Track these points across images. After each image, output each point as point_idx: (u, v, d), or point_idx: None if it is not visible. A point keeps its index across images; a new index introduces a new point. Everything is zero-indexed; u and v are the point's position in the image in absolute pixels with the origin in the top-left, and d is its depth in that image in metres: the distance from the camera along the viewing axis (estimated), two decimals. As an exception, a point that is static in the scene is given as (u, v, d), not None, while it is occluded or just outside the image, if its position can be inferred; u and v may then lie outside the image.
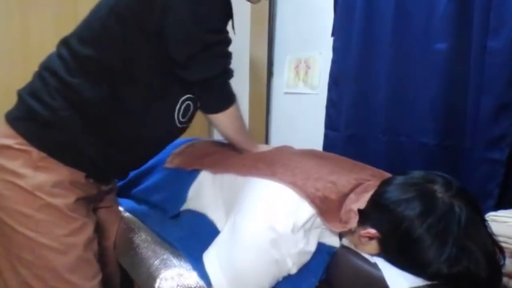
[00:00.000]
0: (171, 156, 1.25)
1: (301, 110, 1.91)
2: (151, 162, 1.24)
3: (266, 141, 2.12)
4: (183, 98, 0.97)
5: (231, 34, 0.98)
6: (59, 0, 1.75)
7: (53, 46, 0.96)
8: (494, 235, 0.77)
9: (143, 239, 1.06)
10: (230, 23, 1.01)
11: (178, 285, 0.87)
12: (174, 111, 0.97)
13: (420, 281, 0.75)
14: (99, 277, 0.94)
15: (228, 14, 0.98)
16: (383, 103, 1.40)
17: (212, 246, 0.91)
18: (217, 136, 1.51)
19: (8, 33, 1.70)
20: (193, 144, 1.30)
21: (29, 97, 0.89)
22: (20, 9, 1.72)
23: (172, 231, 1.04)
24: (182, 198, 1.11)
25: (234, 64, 0.99)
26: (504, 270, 0.76)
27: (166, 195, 1.15)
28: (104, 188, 1.05)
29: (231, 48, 0.97)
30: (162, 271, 0.91)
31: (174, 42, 0.88)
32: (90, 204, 1.00)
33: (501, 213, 0.95)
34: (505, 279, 0.79)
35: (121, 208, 1.23)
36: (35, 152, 0.86)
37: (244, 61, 2.11)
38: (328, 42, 1.65)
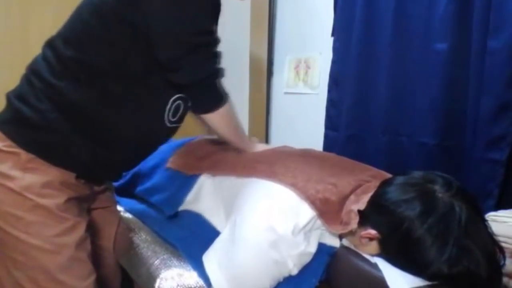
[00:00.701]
0: (173, 156, 1.24)
1: (301, 110, 1.91)
2: (154, 162, 1.24)
3: (266, 141, 2.12)
4: (173, 98, 0.96)
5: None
6: (59, 0, 1.75)
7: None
8: (494, 235, 0.77)
9: (143, 239, 1.06)
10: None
11: (178, 285, 0.87)
12: (164, 111, 0.96)
13: (420, 281, 0.75)
14: (92, 277, 0.93)
15: (217, 13, 0.97)
16: (383, 103, 1.40)
17: (212, 247, 0.91)
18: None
19: (8, 33, 1.70)
20: (194, 144, 1.29)
21: (17, 100, 0.88)
22: (20, 9, 1.72)
23: (172, 231, 1.04)
24: (179, 201, 1.10)
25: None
26: (504, 270, 0.76)
27: (164, 196, 1.15)
28: (97, 188, 1.05)
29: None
30: (162, 271, 0.91)
31: (160, 44, 0.87)
32: (83, 204, 0.99)
33: (501, 213, 0.95)
34: (505, 279, 0.79)
35: (121, 208, 1.23)
36: (23, 154, 0.86)
37: (244, 61, 2.11)
38: (328, 42, 1.65)
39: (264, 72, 2.05)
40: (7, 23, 1.69)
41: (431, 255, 0.73)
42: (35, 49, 0.94)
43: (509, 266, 0.80)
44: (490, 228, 0.77)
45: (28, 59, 0.93)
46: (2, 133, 0.87)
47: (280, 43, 2.02)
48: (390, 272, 0.78)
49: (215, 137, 1.27)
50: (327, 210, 0.86)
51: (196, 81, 0.92)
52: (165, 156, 1.24)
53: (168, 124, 0.99)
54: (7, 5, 1.69)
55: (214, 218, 1.05)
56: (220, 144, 1.26)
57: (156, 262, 0.95)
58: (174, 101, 0.96)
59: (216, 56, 0.94)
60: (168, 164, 1.22)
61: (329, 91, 1.62)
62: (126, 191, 1.31)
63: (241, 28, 2.04)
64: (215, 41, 0.93)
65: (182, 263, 0.93)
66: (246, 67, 2.12)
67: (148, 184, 1.23)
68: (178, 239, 1.00)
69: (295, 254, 0.83)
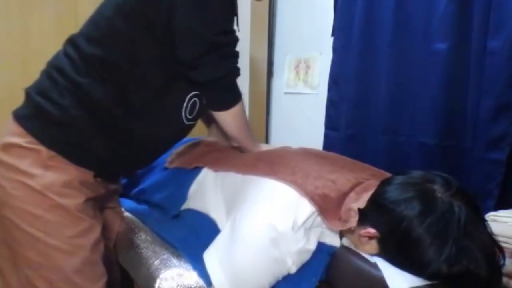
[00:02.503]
0: (171, 156, 1.24)
1: (301, 110, 1.91)
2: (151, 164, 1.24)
3: (266, 141, 2.12)
4: (190, 95, 0.97)
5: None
6: (59, 0, 1.75)
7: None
8: (494, 235, 0.77)
9: (143, 239, 1.06)
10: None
11: (178, 285, 0.87)
12: (181, 108, 0.97)
13: (420, 281, 0.75)
14: (104, 279, 0.94)
15: (234, 12, 0.97)
16: (383, 103, 1.40)
17: (213, 245, 0.91)
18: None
19: (8, 33, 1.70)
20: (194, 144, 1.29)
21: (38, 96, 0.88)
22: (20, 10, 1.72)
23: (172, 231, 1.04)
24: (183, 197, 1.11)
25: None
26: (504, 270, 0.76)
27: (167, 194, 1.15)
28: (112, 186, 1.05)
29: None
30: (162, 271, 0.91)
31: (182, 43, 0.88)
32: (98, 204, 1.00)
33: (501, 213, 0.95)
34: (505, 279, 0.79)
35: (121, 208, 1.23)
36: (44, 151, 0.85)
37: (244, 61, 2.11)
38: (328, 42, 1.65)
39: (264, 72, 2.05)
40: (7, 23, 1.69)
41: (430, 255, 0.73)
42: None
43: (509, 266, 0.80)
44: (490, 228, 0.77)
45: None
46: (23, 128, 0.87)
47: (280, 43, 2.02)
48: (389, 272, 0.77)
49: (215, 139, 1.28)
50: (326, 206, 0.86)
51: (214, 79, 0.94)
52: (162, 157, 1.24)
53: (186, 122, 1.00)
54: (7, 5, 1.69)
55: (215, 213, 1.05)
56: (220, 144, 1.26)
57: (156, 262, 0.95)
58: (191, 98, 0.97)
59: (234, 55, 0.97)
60: (167, 165, 1.23)
61: (329, 91, 1.62)
62: (123, 193, 1.30)
63: (241, 28, 2.04)
64: (235, 40, 0.95)
65: (182, 263, 0.93)
66: (246, 68, 2.11)
67: (146, 184, 1.23)
68: (178, 240, 1.00)
69: (295, 251, 0.83)
